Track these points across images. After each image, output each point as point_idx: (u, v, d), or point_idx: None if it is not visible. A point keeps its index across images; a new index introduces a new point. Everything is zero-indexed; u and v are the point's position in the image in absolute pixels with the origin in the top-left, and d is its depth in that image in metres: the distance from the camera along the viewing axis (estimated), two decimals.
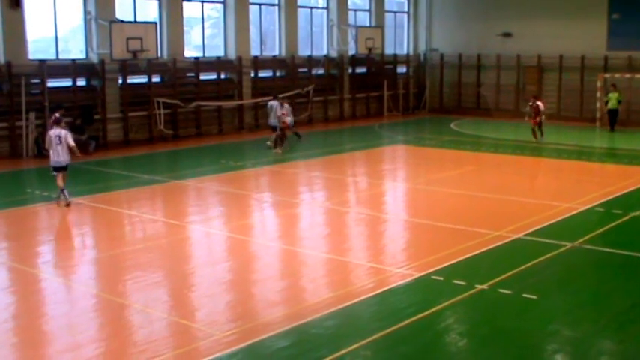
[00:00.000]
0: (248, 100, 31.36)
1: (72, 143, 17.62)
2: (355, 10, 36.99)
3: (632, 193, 18.76)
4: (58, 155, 17.55)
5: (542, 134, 27.71)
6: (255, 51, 32.17)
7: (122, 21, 26.64)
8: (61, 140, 17.59)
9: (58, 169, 17.59)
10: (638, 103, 33.31)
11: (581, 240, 14.18)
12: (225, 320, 10.35)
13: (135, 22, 27.31)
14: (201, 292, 11.71)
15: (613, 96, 31.21)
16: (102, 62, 26.44)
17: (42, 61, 25.23)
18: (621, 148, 27.13)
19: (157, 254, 13.84)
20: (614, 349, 9.58)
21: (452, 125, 33.24)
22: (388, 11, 38.75)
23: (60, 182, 17.44)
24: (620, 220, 15.85)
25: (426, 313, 10.46)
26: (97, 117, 26.48)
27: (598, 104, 32.53)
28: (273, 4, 33.03)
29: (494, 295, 11.23)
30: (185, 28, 29.60)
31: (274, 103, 26.28)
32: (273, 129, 25.76)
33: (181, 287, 12.03)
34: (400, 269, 12.52)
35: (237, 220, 16.46)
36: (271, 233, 15.72)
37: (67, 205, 17.22)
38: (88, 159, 23.49)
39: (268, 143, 25.84)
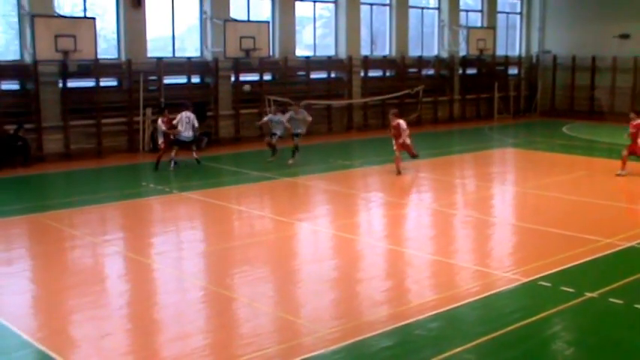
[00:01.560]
0: (358, 100, 31.43)
1: (196, 124, 22.17)
2: (467, 11, 36.53)
3: None
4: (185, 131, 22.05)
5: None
6: (365, 51, 32.23)
7: (236, 20, 27.17)
8: (189, 120, 21.92)
9: (181, 142, 22.19)
10: None
11: None
12: (329, 318, 10.41)
13: (248, 21, 27.82)
14: (307, 289, 11.82)
15: None
16: (215, 60, 27.04)
17: (159, 59, 26.01)
18: None
19: (264, 250, 14.05)
20: None
21: (564, 129, 32.40)
22: (500, 12, 38.11)
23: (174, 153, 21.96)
24: None
25: (531, 319, 10.23)
26: (209, 114, 27.10)
27: None
28: (385, 4, 33.00)
29: (605, 304, 10.88)
30: (297, 28, 29.93)
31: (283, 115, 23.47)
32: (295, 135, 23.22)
33: (287, 283, 12.16)
34: (507, 274, 12.29)
35: (344, 218, 16.52)
36: (377, 233, 15.71)
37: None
38: (200, 154, 24.05)
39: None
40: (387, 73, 33.25)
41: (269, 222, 16.30)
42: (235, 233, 15.64)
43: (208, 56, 27.34)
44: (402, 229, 16.23)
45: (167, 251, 14.02)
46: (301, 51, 30.47)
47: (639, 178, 21.35)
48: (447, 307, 10.68)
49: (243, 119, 28.05)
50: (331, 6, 31.21)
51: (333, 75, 31.31)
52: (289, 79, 29.35)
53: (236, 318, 10.66)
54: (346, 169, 22.81)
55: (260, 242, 14.53)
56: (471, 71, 36.69)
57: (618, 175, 20.84)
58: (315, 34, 31.05)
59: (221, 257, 13.57)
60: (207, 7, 26.97)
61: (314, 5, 30.68)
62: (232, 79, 27.89)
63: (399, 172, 21.31)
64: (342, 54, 31.19)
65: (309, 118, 23.51)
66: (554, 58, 38.24)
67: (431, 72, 34.64)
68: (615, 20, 35.80)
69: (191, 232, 15.79)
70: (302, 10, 30.29)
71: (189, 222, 16.57)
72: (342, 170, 22.51)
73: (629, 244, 13.98)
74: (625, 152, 21.24)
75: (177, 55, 27.00)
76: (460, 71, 36.00)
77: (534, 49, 39.48)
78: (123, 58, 25.40)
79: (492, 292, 11.44)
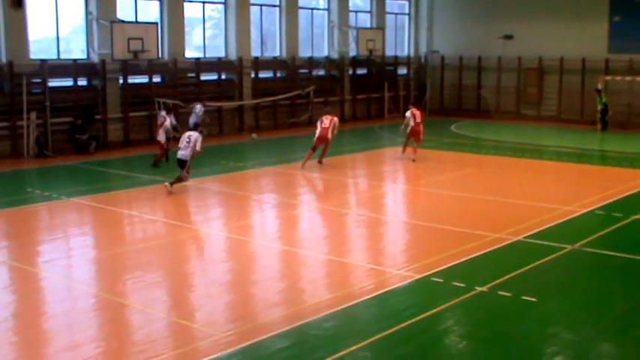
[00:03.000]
0: (249, 101, 31.37)
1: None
2: (356, 12, 37.01)
3: (632, 196, 18.77)
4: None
5: None
6: (255, 52, 32.19)
7: (123, 21, 26.66)
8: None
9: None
10: (637, 107, 33.32)
11: (581, 243, 14.17)
12: (225, 321, 10.35)
13: (136, 22, 27.32)
14: (201, 293, 11.71)
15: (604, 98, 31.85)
16: (103, 62, 26.45)
17: (43, 61, 25.23)
18: (622, 151, 27.13)
19: (157, 254, 13.84)
20: (613, 353, 9.59)
21: (452, 127, 33.26)
22: (389, 13, 38.78)
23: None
24: (620, 223, 15.85)
25: (425, 314, 10.46)
26: (97, 117, 26.49)
27: (599, 107, 32.58)
28: (274, 5, 33.05)
29: (494, 297, 11.23)
30: (186, 29, 29.62)
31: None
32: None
33: (181, 288, 12.03)
34: (400, 271, 12.52)
35: (237, 220, 16.46)
36: (271, 234, 15.72)
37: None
38: (88, 159, 23.49)
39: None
40: (278, 74, 33.32)
41: (161, 226, 16.07)
42: (127, 238, 15.35)
43: (95, 58, 26.70)
44: (295, 229, 16.29)
45: (55, 259, 13.62)
46: (191, 52, 30.17)
47: (523, 175, 22.13)
48: (342, 306, 10.79)
49: (133, 122, 27.54)
50: (221, 7, 31.03)
51: (223, 76, 31.15)
52: (179, 81, 29.02)
53: (129, 325, 10.47)
54: (238, 170, 22.73)
55: (153, 247, 14.31)
56: (361, 71, 37.18)
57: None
58: (204, 36, 30.79)
59: (112, 263, 13.29)
60: (92, 8, 26.34)
61: (203, 6, 30.42)
62: (121, 81, 27.34)
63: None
64: (233, 55, 31.06)
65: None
66: (442, 58, 39.22)
67: (321, 72, 34.96)
68: (500, 21, 37.04)
69: (80, 238, 15.39)
70: (191, 11, 29.98)
71: (78, 228, 16.15)
72: (235, 172, 22.42)
73: (516, 239, 14.47)
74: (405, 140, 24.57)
75: (62, 57, 26.25)
76: (350, 71, 36.44)
77: (423, 50, 40.38)
78: (3, 60, 24.52)
79: (386, 289, 11.62)
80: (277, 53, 33.35)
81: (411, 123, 24.13)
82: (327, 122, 22.97)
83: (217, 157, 24.89)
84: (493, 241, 14.32)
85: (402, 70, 39.50)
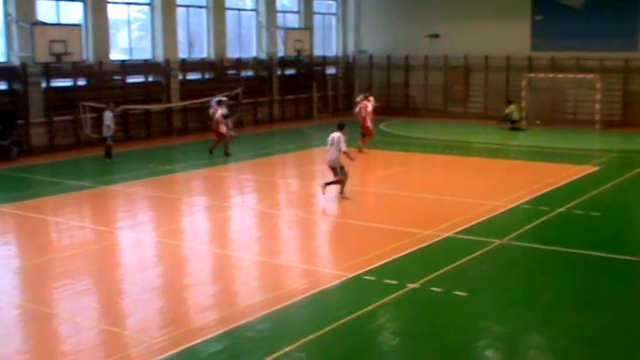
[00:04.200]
0: (177, 104, 31.03)
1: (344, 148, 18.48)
2: (284, 12, 36.99)
3: (557, 190, 19.19)
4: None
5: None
6: (183, 53, 31.86)
7: (44, 23, 26.05)
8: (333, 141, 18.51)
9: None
10: (561, 103, 34.15)
11: (509, 237, 14.42)
12: (157, 326, 10.20)
13: (58, 24, 26.75)
14: (132, 299, 11.52)
15: (514, 108, 32.38)
16: (24, 65, 25.80)
17: None
18: (546, 146, 27.71)
19: (85, 261, 13.56)
20: (542, 343, 9.77)
21: (381, 126, 33.45)
22: (317, 13, 38.87)
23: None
24: (546, 217, 16.18)
25: (358, 313, 10.49)
26: (19, 122, 25.82)
27: (523, 103, 33.27)
28: (202, 6, 32.76)
29: (426, 293, 11.34)
30: (111, 31, 29.11)
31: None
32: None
33: (111, 294, 11.81)
34: (332, 270, 12.54)
35: (168, 224, 16.25)
36: (202, 237, 15.58)
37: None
38: (11, 165, 22.92)
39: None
40: (206, 76, 33.05)
41: (89, 232, 15.75)
42: (53, 246, 14.99)
43: (16, 61, 26.04)
44: (227, 232, 16.17)
45: None
46: (117, 55, 29.68)
47: (452, 171, 22.43)
48: (276, 308, 10.74)
49: (58, 127, 26.94)
50: (146, 8, 30.61)
51: (150, 79, 30.74)
52: (105, 84, 28.51)
53: (57, 335, 10.21)
54: (168, 174, 22.46)
55: (80, 254, 14.00)
56: (289, 72, 37.18)
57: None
58: (130, 37, 30.35)
59: (38, 272, 12.95)
60: (11, 10, 25.66)
61: (128, 7, 29.98)
62: (43, 84, 26.71)
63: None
64: (160, 57, 30.67)
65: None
66: (370, 57, 39.50)
67: (250, 73, 34.82)
68: (426, 21, 37.47)
69: (4, 247, 14.95)
70: (116, 12, 29.49)
71: (0, 237, 15.71)
72: (164, 175, 22.14)
73: (446, 235, 14.64)
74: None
75: None
76: (279, 72, 36.39)
77: (350, 49, 40.59)
78: None
79: (319, 289, 11.63)
80: (205, 54, 33.08)
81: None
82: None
83: (145, 161, 24.58)
84: (424, 237, 14.46)
85: (331, 70, 39.65)
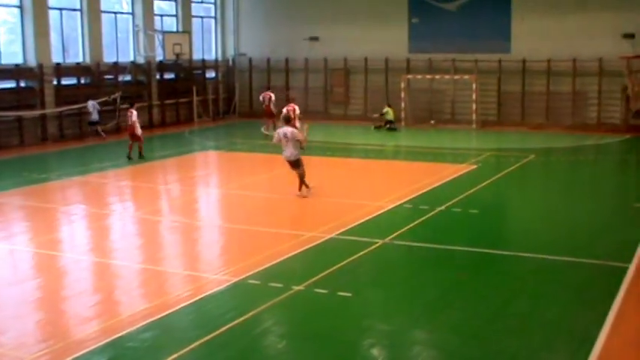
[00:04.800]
0: (51, 110, 30.15)
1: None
2: (162, 16, 36.47)
3: (437, 189, 19.73)
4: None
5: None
6: (57, 58, 30.96)
7: None
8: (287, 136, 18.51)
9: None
10: (437, 103, 35.13)
11: (391, 236, 14.73)
12: (35, 341, 9.88)
13: None
14: (6, 314, 11.09)
15: (390, 110, 33.23)
16: None
17: None
18: (425, 146, 28.43)
19: None
20: (426, 339, 10.04)
21: (262, 129, 33.55)
22: (195, 16, 38.54)
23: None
24: (427, 216, 16.61)
25: (243, 318, 10.48)
26: None
27: (402, 104, 34.05)
28: (75, 9, 31.90)
29: (311, 295, 11.44)
30: None
31: None
32: None
33: None
34: (216, 275, 12.48)
35: (44, 234, 15.76)
36: (81, 246, 15.18)
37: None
38: None
39: None
40: (82, 81, 32.22)
41: None
42: None
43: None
44: (107, 240, 15.82)
45: None
46: None
47: (334, 173, 22.72)
48: (159, 316, 10.61)
49: None
50: (16, 10, 29.58)
51: (22, 84, 29.71)
52: None
53: None
54: (43, 182, 21.77)
55: None
56: (168, 76, 36.73)
57: None
58: None
59: None
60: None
61: None
62: None
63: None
64: (32, 62, 29.70)
65: None
66: (250, 60, 39.50)
67: (128, 78, 34.18)
68: (305, 23, 37.79)
69: None
70: None
71: None
72: (39, 184, 21.44)
73: (329, 236, 14.81)
74: None
75: None
76: (158, 76, 35.87)
77: (230, 52, 40.48)
78: None
79: (204, 295, 11.55)
80: (81, 59, 32.25)
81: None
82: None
83: (19, 169, 23.77)
84: (307, 239, 14.58)
85: (211, 74, 39.42)
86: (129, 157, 24.92)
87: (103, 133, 30.90)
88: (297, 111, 28.64)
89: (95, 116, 30.91)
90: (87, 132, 31.26)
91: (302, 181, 18.72)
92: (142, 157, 25.20)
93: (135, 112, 25.62)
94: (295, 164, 18.69)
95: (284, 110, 25.90)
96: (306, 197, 18.44)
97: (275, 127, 29.46)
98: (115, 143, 29.41)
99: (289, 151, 18.56)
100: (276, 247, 13.95)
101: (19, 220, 17.48)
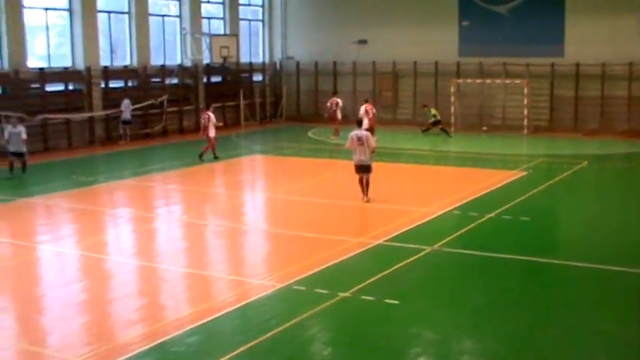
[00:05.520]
0: (99, 113, 30.60)
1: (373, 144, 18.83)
2: (209, 19, 36.81)
3: (486, 196, 19.56)
4: None
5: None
6: (105, 61, 31.43)
7: None
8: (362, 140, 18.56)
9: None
10: (488, 108, 34.83)
11: (440, 243, 14.64)
12: (81, 343, 10.04)
13: None
14: (53, 316, 11.30)
15: (433, 110, 33.29)
16: None
17: None
18: (474, 151, 28.21)
19: (3, 278, 13.25)
20: (473, 348, 9.96)
21: (309, 133, 33.64)
22: (243, 19, 38.80)
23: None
24: (476, 223, 16.48)
25: (289, 324, 10.51)
26: None
27: (452, 109, 33.82)
28: (123, 12, 32.38)
29: (357, 302, 11.43)
30: (27, 37, 28.52)
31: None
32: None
33: (30, 312, 11.55)
34: (262, 281, 12.53)
35: (91, 237, 15.99)
36: (127, 250, 15.38)
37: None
38: None
39: None
40: (130, 84, 32.66)
41: (7, 247, 15.38)
42: None
43: None
44: (152, 243, 16.00)
45: None
46: (34, 62, 29.11)
47: (381, 178, 22.67)
48: (205, 320, 10.69)
49: None
50: (65, 14, 30.11)
51: (71, 87, 30.21)
52: (22, 93, 27.91)
53: None
54: (90, 185, 22.09)
55: None
56: (215, 79, 37.03)
57: None
58: (49, 44, 29.79)
59: None
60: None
61: (46, 13, 29.43)
62: None
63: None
64: (80, 64, 30.19)
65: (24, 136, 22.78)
66: (297, 64, 39.62)
67: (175, 81, 34.53)
68: (353, 27, 37.77)
69: None
70: (32, 18, 28.93)
71: None
72: (86, 187, 21.77)
73: (377, 242, 14.78)
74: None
75: None
76: (205, 79, 36.20)
77: (278, 56, 40.67)
78: None
79: (249, 300, 11.61)
80: (128, 62, 32.71)
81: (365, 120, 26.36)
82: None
83: (67, 172, 24.16)
84: (354, 245, 14.57)
85: (258, 77, 39.64)
86: (201, 157, 25.86)
87: (127, 138, 31.13)
88: (340, 104, 31.69)
89: (127, 115, 31.09)
90: (133, 135, 31.55)
91: (368, 187, 18.65)
92: (201, 158, 25.85)
93: (211, 115, 26.38)
94: (367, 169, 18.62)
95: (361, 110, 27.85)
96: (368, 202, 18.40)
97: (338, 134, 31.08)
98: (161, 146, 29.79)
99: (363, 155, 18.51)
100: (322, 253, 13.96)
101: (66, 223, 17.77)
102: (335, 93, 34.66)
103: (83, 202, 19.67)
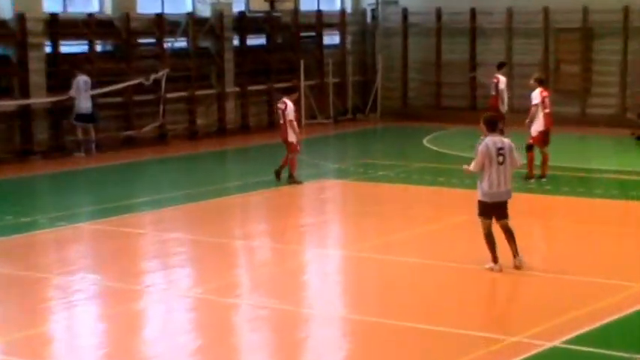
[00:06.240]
0: (40, 100, 30.94)
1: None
2: None
3: None
4: None
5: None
6: (51, 4, 31.66)
7: None
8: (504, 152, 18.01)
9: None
10: None
11: None
12: None
13: None
14: None
15: None
16: None
17: None
18: None
19: None
20: None
21: (425, 141, 33.56)
22: None
23: None
24: None
25: None
26: None
27: None
28: None
29: None
30: None
31: None
32: None
33: None
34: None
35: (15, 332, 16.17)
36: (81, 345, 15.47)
37: None
38: None
39: None
40: (98, 48, 33.20)
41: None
42: None
43: None
44: (133, 335, 16.02)
45: None
46: None
47: (559, 221, 22.44)
48: None
49: None
50: None
51: None
52: None
53: None
54: (25, 230, 22.43)
55: None
56: (255, 41, 37.24)
57: None
58: None
59: None
60: None
61: None
62: None
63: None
64: (6, 11, 30.56)
65: None
66: (405, 12, 39.52)
67: (182, 44, 34.80)
68: None
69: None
70: None
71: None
72: (17, 234, 22.09)
73: (548, 344, 14.49)
74: None
75: None
76: (236, 42, 36.24)
77: (368, 1, 40.68)
78: None
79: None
80: (95, 7, 32.99)
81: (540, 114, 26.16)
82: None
83: None
84: (508, 348, 14.33)
85: (333, 39, 39.73)
86: (277, 175, 27.12)
87: (90, 146, 31.55)
88: (503, 84, 31.41)
89: (86, 105, 31.24)
90: (105, 139, 31.88)
91: (513, 239, 18.18)
92: (292, 179, 26.87)
93: (289, 104, 26.86)
94: (506, 207, 18.05)
95: (534, 97, 26.57)
96: (519, 269, 18.06)
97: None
98: (154, 162, 30.03)
99: (503, 183, 17.88)
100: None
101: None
102: (503, 65, 33.85)
103: (10, 261, 19.92)
